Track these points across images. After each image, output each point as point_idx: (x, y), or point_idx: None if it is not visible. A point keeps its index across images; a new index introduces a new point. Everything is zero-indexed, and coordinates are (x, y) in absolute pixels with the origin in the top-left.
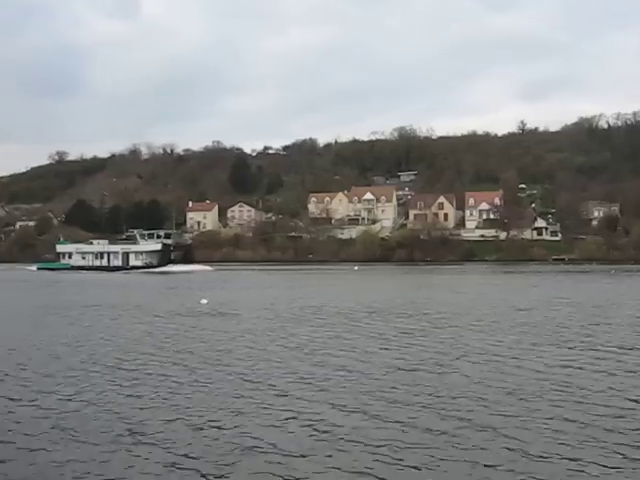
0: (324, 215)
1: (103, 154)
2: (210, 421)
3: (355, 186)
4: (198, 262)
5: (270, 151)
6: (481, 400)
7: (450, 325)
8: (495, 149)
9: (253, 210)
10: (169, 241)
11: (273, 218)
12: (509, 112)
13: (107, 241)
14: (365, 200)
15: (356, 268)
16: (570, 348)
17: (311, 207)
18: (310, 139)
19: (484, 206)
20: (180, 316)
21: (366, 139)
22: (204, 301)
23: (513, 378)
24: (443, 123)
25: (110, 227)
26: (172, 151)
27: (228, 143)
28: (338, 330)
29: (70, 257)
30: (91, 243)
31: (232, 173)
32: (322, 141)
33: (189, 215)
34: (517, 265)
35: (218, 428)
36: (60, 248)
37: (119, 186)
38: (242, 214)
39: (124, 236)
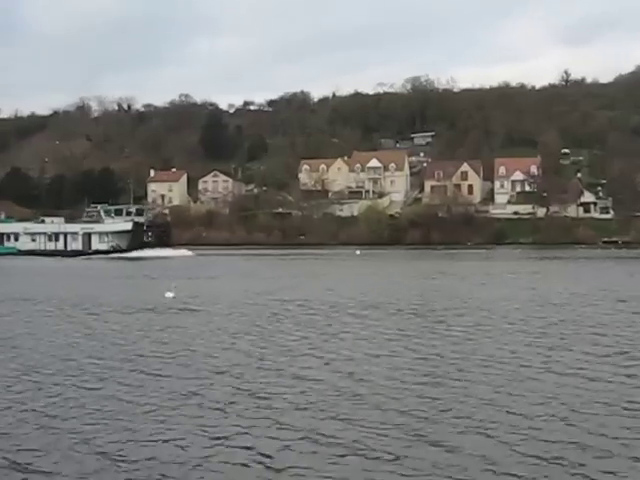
0: (319, 187)
1: (43, 111)
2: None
3: (357, 151)
4: (177, 245)
5: (251, 107)
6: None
7: (464, 325)
8: (532, 105)
9: (230, 181)
10: (141, 219)
11: (255, 191)
12: (549, 59)
13: (63, 219)
14: (370, 168)
15: (358, 253)
16: (605, 356)
17: (303, 177)
18: (301, 92)
19: (518, 176)
20: (136, 313)
21: (371, 92)
22: (170, 294)
23: (531, 396)
24: (467, 72)
25: (52, 201)
26: (129, 107)
27: (199, 97)
28: (324, 330)
29: (16, 239)
30: (43, 221)
31: (204, 135)
32: (316, 95)
33: (151, 187)
34: (558, 249)
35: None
36: (3, 228)
37: (63, 151)
38: (217, 185)
39: (85, 213)
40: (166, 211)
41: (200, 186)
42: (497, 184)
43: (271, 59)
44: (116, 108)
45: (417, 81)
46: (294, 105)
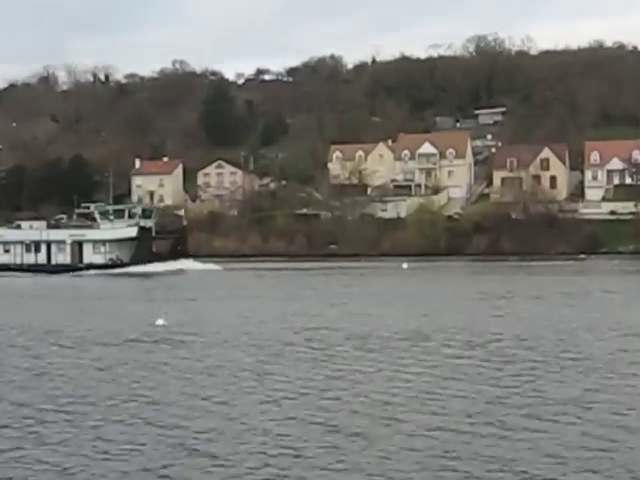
0: (355, 180)
1: None
2: None
3: (405, 132)
4: (191, 256)
5: (266, 77)
6: None
7: (539, 361)
8: (634, 72)
9: (239, 173)
10: (149, 223)
11: (272, 186)
12: None
13: (45, 223)
14: (422, 155)
15: (405, 266)
16: None
17: (334, 167)
18: (331, 57)
19: (616, 164)
20: (109, 346)
21: (423, 56)
22: (160, 321)
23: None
24: (548, 29)
25: (8, 200)
26: (107, 78)
27: (198, 65)
28: (344, 368)
29: None
30: (18, 227)
31: (205, 113)
32: (350, 60)
33: (136, 181)
34: None
35: None
36: None
37: (22, 134)
38: (222, 179)
39: (74, 215)
40: (181, 212)
41: (200, 180)
42: (588, 175)
43: (291, 14)
44: (90, 80)
45: (483, 41)
46: (322, 74)
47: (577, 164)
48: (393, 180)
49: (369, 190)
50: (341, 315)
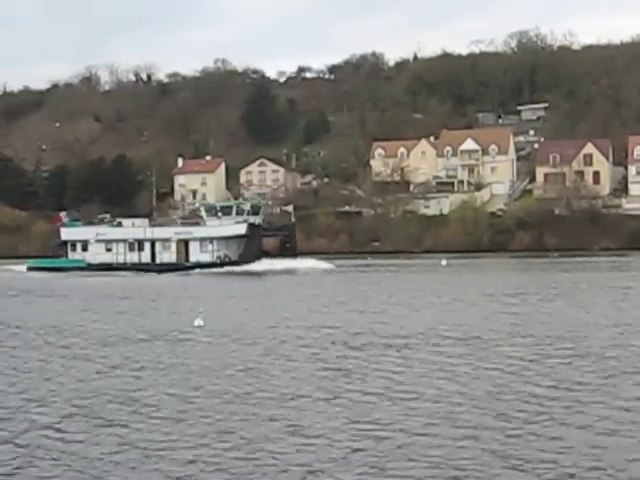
0: (397, 177)
1: (39, 84)
2: None
3: (447, 129)
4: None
5: (308, 75)
6: None
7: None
8: None
9: (282, 170)
10: (257, 219)
11: (314, 183)
12: None
13: (147, 221)
14: (464, 152)
15: (444, 263)
16: None
17: (376, 165)
18: (373, 54)
19: None
20: (134, 343)
21: (464, 52)
22: (198, 321)
23: None
24: (592, 24)
25: (53, 200)
26: (149, 78)
27: (240, 63)
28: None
29: (85, 249)
30: (119, 224)
31: (247, 112)
32: (392, 57)
33: (178, 180)
34: None
35: None
36: (67, 234)
37: (65, 135)
38: (264, 177)
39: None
40: (290, 208)
41: (243, 178)
42: (632, 170)
43: (333, 11)
44: (132, 79)
45: (524, 36)
46: (363, 71)
47: (621, 159)
48: (435, 177)
49: (411, 187)
50: (357, 316)
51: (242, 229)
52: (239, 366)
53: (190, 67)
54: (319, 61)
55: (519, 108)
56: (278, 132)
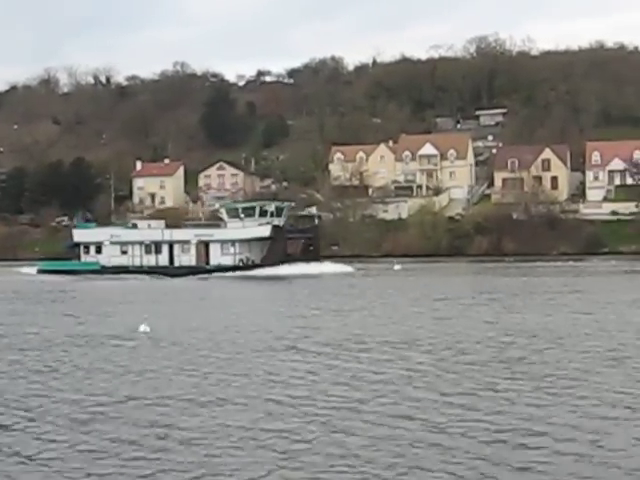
0: (356, 182)
1: None
2: None
3: (406, 134)
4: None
5: (267, 79)
6: None
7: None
8: (635, 72)
9: (241, 174)
10: (281, 221)
11: (273, 187)
12: None
13: (163, 222)
14: (423, 156)
15: (398, 267)
16: None
17: (335, 169)
18: (332, 58)
19: (617, 164)
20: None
21: (424, 57)
22: (144, 327)
23: None
24: (549, 29)
25: (10, 203)
26: (108, 80)
27: (199, 66)
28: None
29: (99, 251)
30: (134, 226)
31: (206, 115)
32: (351, 61)
33: (137, 183)
34: None
35: None
36: (80, 236)
37: (23, 137)
38: (223, 180)
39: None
40: (313, 210)
41: (201, 182)
42: (589, 175)
43: (292, 15)
44: (91, 82)
45: (483, 42)
46: (322, 76)
47: (578, 165)
48: (394, 181)
49: (370, 191)
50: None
51: (266, 231)
52: (159, 372)
53: (149, 70)
54: (278, 65)
55: (478, 113)
56: (237, 136)
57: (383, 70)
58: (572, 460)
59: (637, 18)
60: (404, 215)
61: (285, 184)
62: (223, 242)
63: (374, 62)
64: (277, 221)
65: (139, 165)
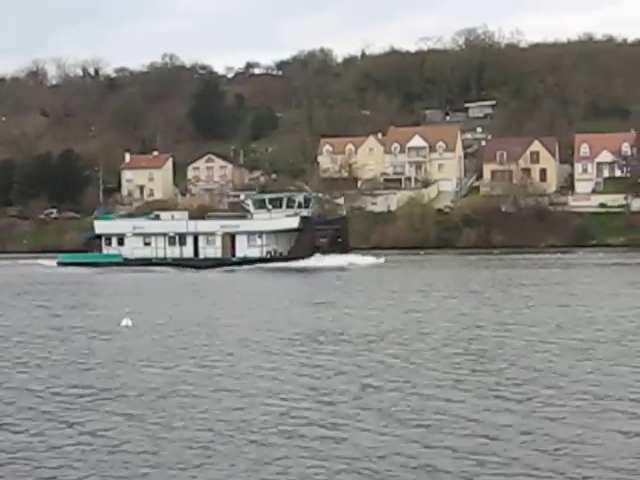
0: (345, 174)
1: None
2: None
3: (395, 126)
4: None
5: (256, 71)
6: None
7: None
8: (623, 64)
9: (229, 166)
10: (308, 212)
11: (262, 179)
12: None
13: (186, 213)
14: (412, 149)
15: (381, 260)
16: None
17: (324, 161)
18: (321, 51)
19: (605, 157)
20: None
21: (413, 50)
22: (126, 321)
23: None
24: (538, 22)
25: None
26: (97, 73)
27: (188, 59)
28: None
29: (121, 243)
30: (157, 217)
31: (195, 107)
32: (340, 54)
33: (126, 175)
34: None
35: None
36: (101, 227)
37: (12, 129)
38: (212, 173)
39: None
40: (341, 200)
41: (190, 174)
42: (578, 168)
43: (281, 7)
44: (80, 74)
45: (472, 34)
46: (311, 68)
47: (567, 157)
48: (383, 173)
49: (359, 183)
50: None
51: (294, 222)
52: (128, 364)
53: (138, 62)
54: (267, 57)
55: (467, 105)
56: (226, 128)
57: (372, 62)
58: (522, 448)
59: (625, 11)
60: (393, 207)
61: (274, 176)
62: (250, 233)
63: (363, 54)
64: (305, 212)
65: (128, 157)
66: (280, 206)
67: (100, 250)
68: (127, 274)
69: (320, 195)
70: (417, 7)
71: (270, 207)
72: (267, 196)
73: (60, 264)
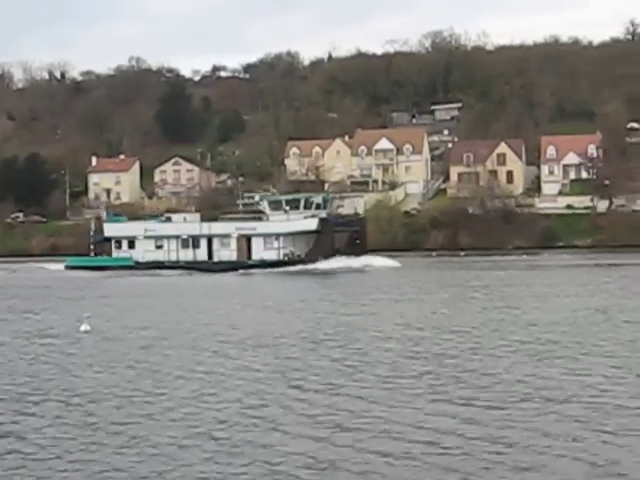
0: (312, 177)
1: None
2: None
3: (362, 128)
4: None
5: (222, 74)
6: None
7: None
8: (589, 66)
9: (196, 170)
10: (326, 213)
11: (229, 182)
12: (610, 6)
13: (198, 215)
14: (378, 151)
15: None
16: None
17: (291, 164)
18: (288, 53)
19: (572, 159)
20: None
21: (379, 52)
22: (85, 327)
23: None
24: (504, 25)
25: None
26: (63, 76)
27: (154, 61)
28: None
29: (132, 246)
30: (168, 219)
31: (161, 110)
32: (306, 56)
33: (92, 178)
34: (624, 254)
35: None
36: (112, 230)
37: None
38: (179, 176)
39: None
40: (360, 200)
41: (157, 177)
42: (545, 170)
43: (248, 10)
44: (46, 77)
45: (439, 37)
46: (278, 71)
47: (533, 159)
48: (350, 176)
49: (326, 186)
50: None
51: (313, 224)
52: (71, 369)
53: (104, 65)
54: (234, 60)
55: (433, 108)
56: (193, 131)
57: (338, 65)
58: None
59: (591, 13)
60: (360, 210)
61: (241, 179)
62: (266, 236)
63: (329, 57)
64: (323, 214)
65: (94, 161)
66: (297, 207)
67: (110, 253)
68: (138, 277)
69: (338, 196)
70: (384, 10)
71: (287, 208)
72: (284, 197)
73: (68, 267)
